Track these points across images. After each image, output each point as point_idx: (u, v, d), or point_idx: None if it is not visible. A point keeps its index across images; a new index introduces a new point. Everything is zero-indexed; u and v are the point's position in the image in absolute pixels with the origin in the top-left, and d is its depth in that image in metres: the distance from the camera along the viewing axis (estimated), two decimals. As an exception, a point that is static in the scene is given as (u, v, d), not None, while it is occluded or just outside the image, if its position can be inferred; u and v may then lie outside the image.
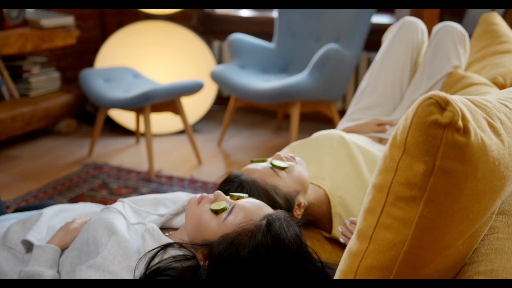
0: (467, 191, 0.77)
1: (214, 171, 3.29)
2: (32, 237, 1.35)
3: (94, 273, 1.15)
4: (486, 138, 0.79)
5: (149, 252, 1.14)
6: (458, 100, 0.81)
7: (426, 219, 0.78)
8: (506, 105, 0.94)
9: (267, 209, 1.18)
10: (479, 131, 0.78)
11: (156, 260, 1.12)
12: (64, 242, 1.33)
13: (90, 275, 1.15)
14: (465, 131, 0.76)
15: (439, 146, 0.75)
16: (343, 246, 1.48)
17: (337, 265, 1.25)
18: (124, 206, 1.35)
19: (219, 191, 1.22)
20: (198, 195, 1.23)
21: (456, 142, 0.75)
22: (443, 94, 0.77)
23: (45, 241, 1.36)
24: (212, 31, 4.41)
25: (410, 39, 2.14)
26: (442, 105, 0.76)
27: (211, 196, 1.22)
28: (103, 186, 3.04)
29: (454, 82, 1.93)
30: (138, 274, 1.10)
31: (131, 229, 1.26)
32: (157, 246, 1.16)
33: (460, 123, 0.75)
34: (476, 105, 0.85)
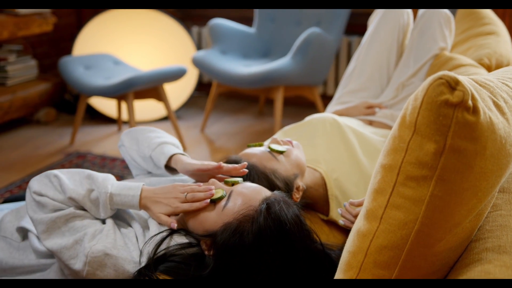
0: (476, 169, 0.79)
1: (198, 157, 3.28)
2: (27, 223, 1.33)
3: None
4: (493, 117, 0.80)
5: (154, 236, 1.13)
6: (464, 80, 0.82)
7: (437, 198, 0.79)
8: (507, 85, 0.95)
9: (264, 192, 1.19)
10: (487, 110, 0.80)
11: (163, 246, 1.12)
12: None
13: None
14: (475, 110, 0.77)
15: (450, 126, 0.76)
16: (340, 228, 1.49)
17: (336, 246, 1.27)
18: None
19: (213, 179, 1.21)
20: None
21: (467, 121, 0.76)
22: (452, 74, 0.78)
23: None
24: (190, 17, 4.37)
25: (395, 21, 2.15)
26: (452, 85, 0.77)
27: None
28: (87, 174, 3.00)
29: (441, 64, 1.96)
30: (144, 260, 1.10)
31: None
32: (160, 231, 1.16)
33: (470, 102, 0.76)
34: (480, 85, 0.87)
